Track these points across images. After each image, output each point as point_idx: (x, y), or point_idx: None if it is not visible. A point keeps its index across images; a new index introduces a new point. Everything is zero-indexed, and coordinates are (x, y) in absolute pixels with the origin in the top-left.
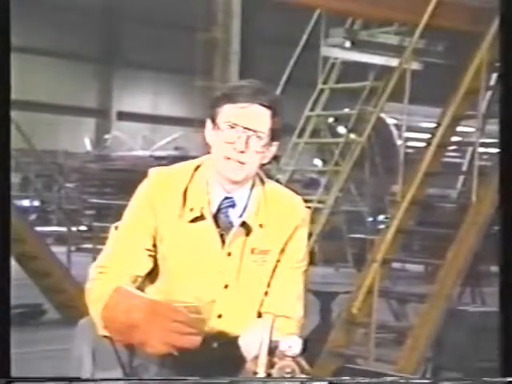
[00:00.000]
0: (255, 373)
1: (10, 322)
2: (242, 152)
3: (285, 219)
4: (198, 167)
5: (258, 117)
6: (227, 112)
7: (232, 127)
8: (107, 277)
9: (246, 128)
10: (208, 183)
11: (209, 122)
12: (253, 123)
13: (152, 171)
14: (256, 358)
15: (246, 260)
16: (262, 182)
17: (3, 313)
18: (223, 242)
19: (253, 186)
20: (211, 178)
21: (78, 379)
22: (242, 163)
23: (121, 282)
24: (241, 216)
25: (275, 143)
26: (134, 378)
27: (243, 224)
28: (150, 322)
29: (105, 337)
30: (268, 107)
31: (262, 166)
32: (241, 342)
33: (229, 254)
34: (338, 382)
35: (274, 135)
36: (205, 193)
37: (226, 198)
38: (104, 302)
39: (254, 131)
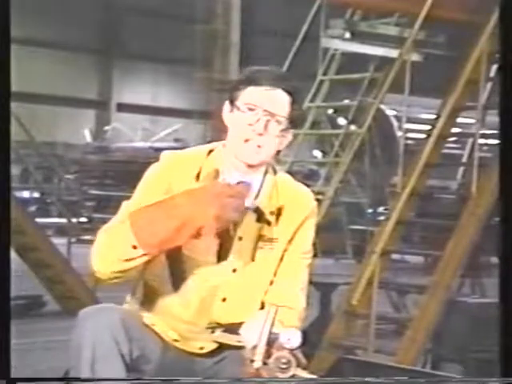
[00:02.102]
0: (252, 361)
1: (9, 319)
2: (261, 134)
3: (295, 209)
4: (210, 152)
5: (279, 101)
6: (249, 94)
7: (252, 109)
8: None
9: (265, 111)
10: (221, 169)
11: (227, 105)
12: (273, 107)
13: (164, 154)
14: (255, 347)
15: (255, 246)
16: (275, 171)
17: (3, 307)
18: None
19: (266, 172)
20: (225, 162)
21: (78, 379)
22: (259, 146)
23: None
24: (254, 201)
25: (291, 131)
26: (134, 378)
27: (256, 209)
28: (205, 205)
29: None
30: (289, 93)
31: (277, 153)
32: (242, 330)
33: (240, 239)
34: (345, 382)
35: (292, 123)
36: (218, 178)
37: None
38: (125, 236)
39: (273, 115)
